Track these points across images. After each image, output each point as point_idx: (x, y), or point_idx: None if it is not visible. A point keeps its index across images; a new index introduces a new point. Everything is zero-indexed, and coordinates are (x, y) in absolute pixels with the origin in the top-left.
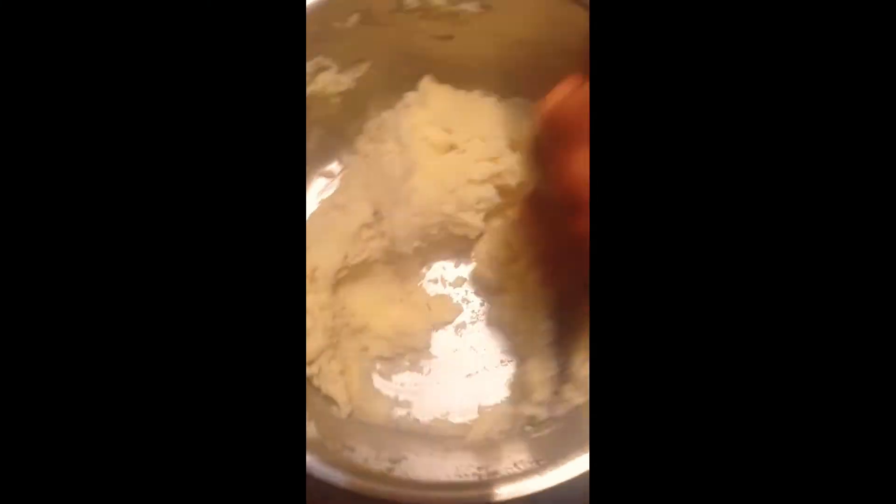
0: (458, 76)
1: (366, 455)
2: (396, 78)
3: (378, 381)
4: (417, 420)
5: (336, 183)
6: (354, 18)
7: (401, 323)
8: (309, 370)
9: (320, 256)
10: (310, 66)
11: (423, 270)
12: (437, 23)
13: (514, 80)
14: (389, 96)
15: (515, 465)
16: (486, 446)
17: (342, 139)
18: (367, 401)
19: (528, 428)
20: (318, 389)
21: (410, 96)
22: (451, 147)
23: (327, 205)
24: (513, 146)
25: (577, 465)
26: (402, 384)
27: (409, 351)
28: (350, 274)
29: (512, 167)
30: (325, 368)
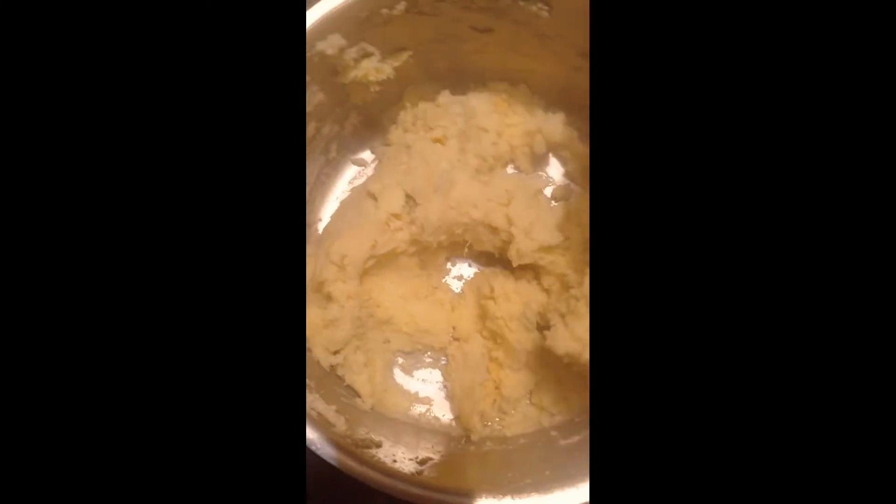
0: (497, 70)
1: (394, 453)
2: (434, 69)
3: (399, 376)
4: (437, 418)
5: (368, 171)
6: (402, 6)
7: (423, 319)
8: (333, 359)
9: (350, 245)
10: (354, 52)
11: (448, 266)
12: (479, 15)
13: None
14: (426, 88)
15: (548, 472)
16: (513, 453)
17: (376, 128)
18: (388, 394)
19: (554, 433)
20: (340, 379)
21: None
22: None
23: (359, 192)
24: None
25: None
26: (423, 380)
27: (429, 348)
28: (377, 264)
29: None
30: (350, 359)
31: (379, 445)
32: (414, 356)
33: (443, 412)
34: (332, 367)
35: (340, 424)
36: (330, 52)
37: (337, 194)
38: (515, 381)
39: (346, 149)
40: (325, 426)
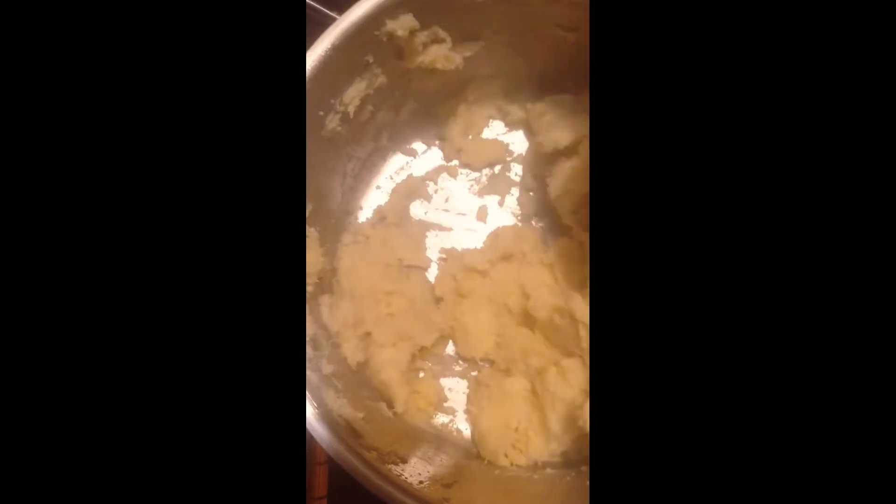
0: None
1: (419, 472)
2: (504, 66)
3: (426, 381)
4: (460, 430)
5: (416, 162)
6: None
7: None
8: (361, 356)
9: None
10: (425, 36)
11: None
12: (566, 10)
13: None
14: (491, 85)
15: None
16: (539, 483)
17: (432, 119)
18: (414, 398)
19: (584, 468)
20: (367, 379)
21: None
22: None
23: (406, 186)
24: None
25: None
26: (449, 389)
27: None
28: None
29: None
30: (376, 358)
31: (405, 461)
32: (442, 361)
33: (465, 426)
34: (360, 366)
35: (367, 435)
36: (400, 32)
37: (380, 182)
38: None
39: (397, 137)
40: (352, 437)
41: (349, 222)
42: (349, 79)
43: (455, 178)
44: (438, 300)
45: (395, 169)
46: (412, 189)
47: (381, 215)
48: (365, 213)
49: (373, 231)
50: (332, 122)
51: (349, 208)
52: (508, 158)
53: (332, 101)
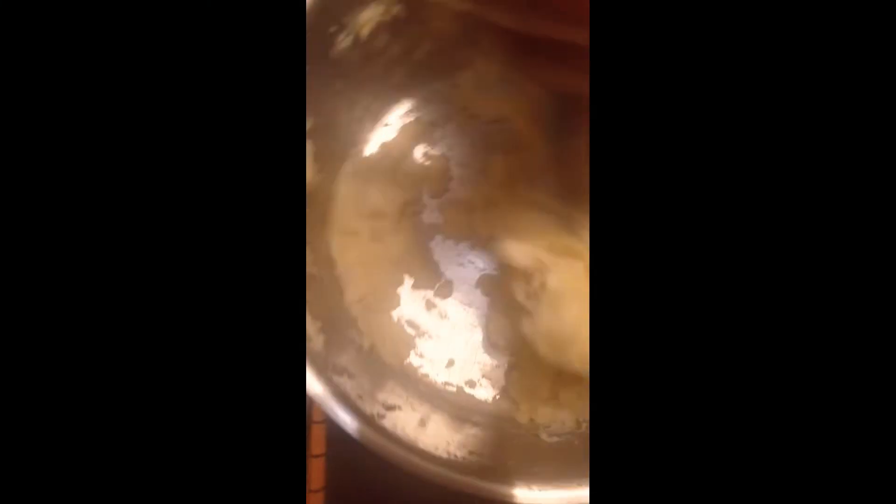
0: None
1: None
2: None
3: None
4: (427, 376)
5: (426, 106)
6: None
7: None
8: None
9: None
10: None
11: None
12: None
13: None
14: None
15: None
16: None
17: (448, 64)
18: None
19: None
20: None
21: None
22: None
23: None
24: None
25: None
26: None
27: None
28: None
29: None
30: None
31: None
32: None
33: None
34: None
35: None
36: None
37: (389, 120)
38: None
39: (412, 76)
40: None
41: (354, 154)
42: (365, 0)
43: (462, 128)
44: None
45: (406, 109)
46: (419, 132)
47: (385, 151)
48: (371, 146)
49: (376, 165)
50: (344, 43)
51: (356, 139)
52: (517, 116)
53: (345, 20)
